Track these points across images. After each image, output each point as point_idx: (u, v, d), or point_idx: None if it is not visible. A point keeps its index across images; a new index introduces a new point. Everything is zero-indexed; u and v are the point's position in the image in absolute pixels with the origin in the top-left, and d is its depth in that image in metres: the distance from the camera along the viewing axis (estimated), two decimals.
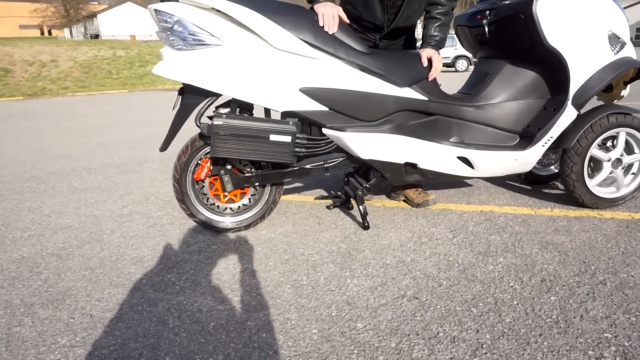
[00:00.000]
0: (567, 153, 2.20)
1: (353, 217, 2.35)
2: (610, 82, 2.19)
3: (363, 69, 1.93)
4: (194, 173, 2.08)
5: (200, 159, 2.08)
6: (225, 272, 1.81)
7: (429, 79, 2.09)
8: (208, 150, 2.04)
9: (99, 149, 4.60)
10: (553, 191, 2.65)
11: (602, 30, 2.08)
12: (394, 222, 2.28)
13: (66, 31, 51.22)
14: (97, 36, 46.07)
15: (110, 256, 2.00)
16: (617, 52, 2.13)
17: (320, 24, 1.87)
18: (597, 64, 2.10)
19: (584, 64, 2.07)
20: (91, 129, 6.12)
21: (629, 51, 2.17)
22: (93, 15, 49.53)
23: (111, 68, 16.91)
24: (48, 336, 1.43)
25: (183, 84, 1.88)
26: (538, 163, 2.67)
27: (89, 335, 1.42)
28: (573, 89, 2.09)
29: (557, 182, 2.79)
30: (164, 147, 2.04)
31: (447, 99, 2.14)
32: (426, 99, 2.06)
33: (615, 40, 2.11)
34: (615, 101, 2.48)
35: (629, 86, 2.41)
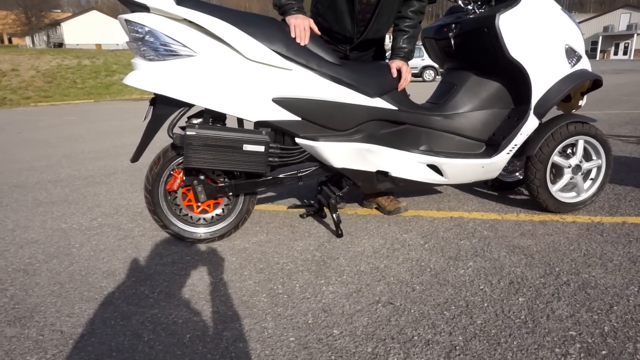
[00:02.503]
0: (530, 160, 2.30)
1: (326, 226, 2.37)
2: (568, 93, 2.31)
3: (334, 79, 1.97)
4: (167, 184, 2.07)
5: (172, 170, 2.06)
6: (200, 283, 1.80)
7: (399, 89, 2.15)
8: (180, 161, 2.03)
9: (64, 160, 4.47)
10: (518, 197, 2.75)
11: (559, 44, 2.19)
12: (366, 229, 2.31)
13: (28, 39, 49.69)
14: (60, 45, 44.82)
15: (80, 270, 1.95)
16: (574, 64, 2.25)
17: (292, 35, 1.90)
18: (556, 76, 2.21)
19: (544, 75, 2.18)
20: (56, 140, 5.95)
21: (585, 64, 2.30)
22: (56, 24, 48.21)
23: (76, 77, 16.46)
24: (16, 355, 1.38)
25: (155, 94, 1.87)
26: (504, 170, 2.77)
27: (60, 353, 1.38)
28: (535, 99, 2.19)
29: (522, 188, 2.90)
30: (135, 158, 2.01)
31: (416, 109, 2.20)
32: (396, 108, 2.12)
33: (571, 54, 2.23)
34: (573, 111, 2.61)
35: (585, 96, 2.54)
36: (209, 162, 1.92)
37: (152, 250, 2.14)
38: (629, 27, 47.73)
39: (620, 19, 48.80)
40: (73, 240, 2.30)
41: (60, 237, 2.34)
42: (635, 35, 46.85)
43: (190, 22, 1.78)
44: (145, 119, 1.96)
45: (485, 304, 1.57)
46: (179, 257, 2.05)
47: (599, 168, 2.43)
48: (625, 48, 48.24)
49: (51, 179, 3.67)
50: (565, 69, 2.22)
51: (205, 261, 2.00)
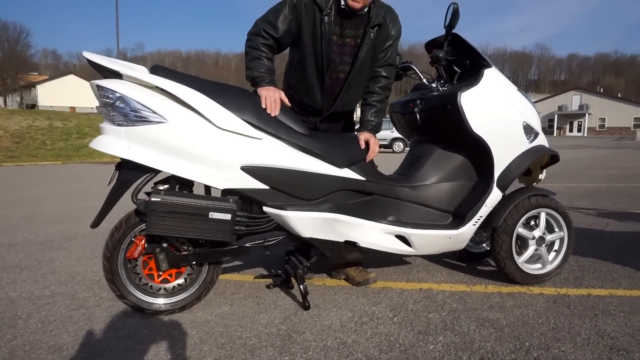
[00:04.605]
0: (496, 231, 2.33)
1: (293, 297, 2.29)
2: (528, 167, 2.41)
3: (303, 149, 2.00)
4: (127, 251, 1.98)
5: (134, 237, 1.99)
6: None
7: (367, 160, 2.19)
8: (143, 228, 1.96)
9: (23, 223, 4.28)
10: (486, 268, 2.76)
11: (518, 121, 2.32)
12: (334, 301, 2.25)
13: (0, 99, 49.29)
14: (33, 106, 44.60)
15: (23, 345, 1.79)
16: (532, 140, 2.37)
17: (263, 106, 1.95)
18: (516, 151, 2.32)
19: (505, 150, 2.28)
20: (17, 200, 5.73)
21: (542, 140, 2.43)
22: (32, 86, 48.31)
23: (46, 139, 16.26)
24: None
25: (121, 158, 1.84)
26: (471, 241, 2.80)
27: None
28: (497, 172, 2.27)
29: (489, 259, 2.91)
30: (96, 223, 1.94)
31: (384, 180, 2.24)
32: (364, 179, 2.15)
33: (529, 131, 2.36)
34: (534, 184, 2.71)
35: (545, 170, 2.66)
36: (174, 229, 1.86)
37: (106, 322, 2.00)
38: (581, 107, 51.85)
39: (573, 100, 52.93)
40: (20, 310, 2.14)
41: (7, 307, 2.17)
42: (587, 114, 50.68)
43: (162, 90, 1.80)
44: (109, 183, 1.91)
45: None
46: (134, 330, 1.92)
47: (561, 240, 2.49)
48: (579, 125, 51.98)
49: (6, 242, 3.48)
50: (524, 144, 2.34)
51: (163, 335, 1.88)
